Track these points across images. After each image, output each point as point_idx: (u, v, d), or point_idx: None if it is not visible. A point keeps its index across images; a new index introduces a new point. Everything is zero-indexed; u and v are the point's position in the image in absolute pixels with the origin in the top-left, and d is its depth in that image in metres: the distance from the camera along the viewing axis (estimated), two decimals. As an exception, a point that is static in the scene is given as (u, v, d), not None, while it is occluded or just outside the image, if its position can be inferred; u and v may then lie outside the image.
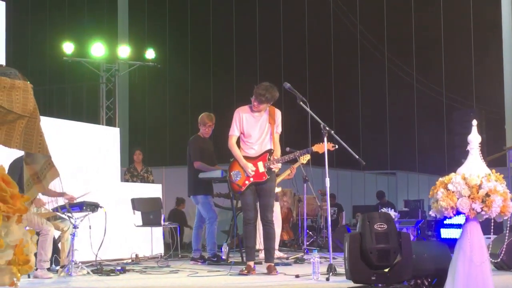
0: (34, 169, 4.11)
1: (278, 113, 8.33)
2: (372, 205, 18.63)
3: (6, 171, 7.24)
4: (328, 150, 8.14)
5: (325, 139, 8.00)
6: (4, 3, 10.64)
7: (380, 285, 6.17)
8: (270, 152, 8.21)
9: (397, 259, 6.24)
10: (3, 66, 4.14)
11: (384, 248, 6.23)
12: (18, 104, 3.81)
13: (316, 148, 8.78)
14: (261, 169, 8.16)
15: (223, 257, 9.96)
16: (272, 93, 8.11)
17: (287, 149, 9.41)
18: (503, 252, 7.05)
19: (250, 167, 8.12)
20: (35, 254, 7.64)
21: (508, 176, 10.93)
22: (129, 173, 12.93)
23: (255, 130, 8.23)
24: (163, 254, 11.34)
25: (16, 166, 8.26)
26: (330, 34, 25.35)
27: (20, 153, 8.18)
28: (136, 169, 13.15)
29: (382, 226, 6.25)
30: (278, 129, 8.34)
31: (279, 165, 8.31)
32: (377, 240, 6.25)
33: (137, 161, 13.29)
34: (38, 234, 7.98)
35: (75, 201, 8.53)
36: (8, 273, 2.62)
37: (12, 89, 3.80)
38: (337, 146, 8.35)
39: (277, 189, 10.33)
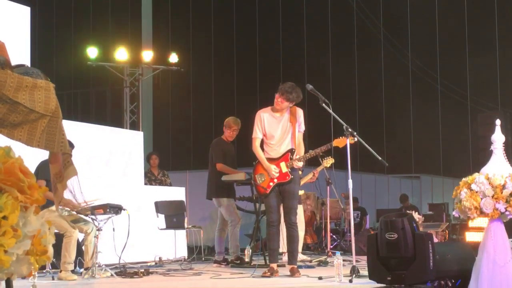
0: (57, 168, 4.13)
1: (299, 112, 8.32)
2: (395, 209, 18.53)
3: (33, 172, 7.28)
4: (351, 150, 8.05)
5: (348, 140, 7.97)
6: (29, 8, 10.73)
7: (402, 285, 6.13)
8: (291, 151, 8.20)
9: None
10: (26, 66, 4.17)
11: (395, 256, 6.19)
12: (40, 103, 3.84)
13: (336, 142, 8.54)
14: (284, 169, 8.15)
15: (246, 259, 9.95)
16: (298, 93, 8.15)
17: (309, 151, 9.38)
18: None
19: (273, 169, 8.13)
20: (60, 256, 7.69)
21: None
22: (147, 178, 13.00)
23: (277, 131, 8.23)
24: (186, 257, 11.37)
25: (46, 167, 8.30)
26: (353, 37, 25.30)
27: (44, 153, 8.27)
28: (153, 173, 13.30)
29: (392, 235, 6.17)
30: (301, 127, 8.31)
31: (301, 164, 8.29)
32: (388, 250, 6.21)
33: (153, 165, 13.44)
34: (62, 236, 8.03)
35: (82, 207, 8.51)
36: (26, 263, 2.64)
37: (34, 89, 3.82)
38: (356, 139, 8.22)
39: (300, 192, 10.30)
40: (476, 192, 5.24)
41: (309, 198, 14.27)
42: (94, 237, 8.35)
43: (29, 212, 2.61)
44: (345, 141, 8.03)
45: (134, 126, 18.78)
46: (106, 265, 8.57)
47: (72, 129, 9.29)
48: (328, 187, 11.95)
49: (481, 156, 15.76)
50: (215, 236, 10.61)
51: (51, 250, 2.76)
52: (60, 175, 4.13)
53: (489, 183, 5.22)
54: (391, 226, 6.19)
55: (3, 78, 3.72)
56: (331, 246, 12.93)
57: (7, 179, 2.58)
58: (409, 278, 6.05)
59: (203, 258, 11.35)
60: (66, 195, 4.23)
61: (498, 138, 5.50)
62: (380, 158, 8.01)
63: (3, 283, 2.85)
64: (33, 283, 2.94)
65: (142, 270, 8.67)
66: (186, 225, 11.33)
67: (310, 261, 10.35)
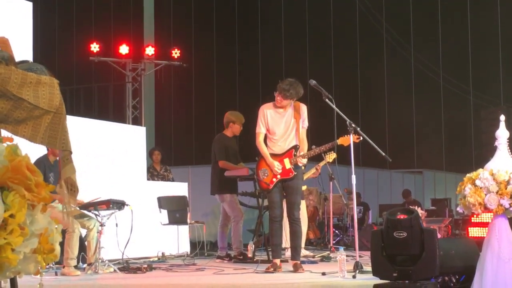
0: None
1: (303, 108, 8.28)
2: (398, 204, 18.52)
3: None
4: (354, 145, 8.04)
5: (351, 135, 7.95)
6: (31, 3, 10.71)
7: (406, 281, 6.10)
8: (295, 148, 8.19)
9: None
10: (30, 62, 4.16)
11: (403, 254, 6.16)
12: (44, 99, 3.83)
13: (341, 141, 8.58)
14: (288, 165, 8.14)
15: (249, 255, 9.94)
16: (296, 89, 8.09)
17: (313, 147, 9.38)
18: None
19: (276, 166, 8.10)
20: (62, 252, 7.67)
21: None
22: (149, 173, 13.00)
23: (280, 126, 8.21)
24: (189, 252, 11.36)
25: (40, 165, 8.29)
26: (356, 31, 25.27)
27: (43, 150, 8.25)
28: (156, 169, 13.32)
29: (401, 234, 6.13)
30: (304, 123, 8.28)
31: (305, 160, 8.28)
32: (396, 248, 6.17)
33: (155, 161, 13.47)
34: (64, 232, 8.02)
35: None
36: (33, 261, 2.63)
37: (38, 85, 3.82)
38: (361, 138, 8.22)
39: (303, 188, 10.29)
40: (481, 188, 5.22)
41: (311, 194, 14.26)
42: (97, 232, 8.35)
43: (36, 210, 2.61)
44: (350, 140, 8.00)
45: (136, 122, 18.79)
46: (109, 261, 8.55)
47: (75, 124, 9.28)
48: (331, 182, 11.93)
49: (484, 152, 15.79)
50: (218, 232, 10.61)
51: (58, 249, 2.75)
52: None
53: (494, 179, 5.20)
54: (400, 225, 6.13)
55: (7, 74, 3.71)
56: (334, 242, 12.92)
57: (14, 177, 2.58)
58: (416, 274, 6.02)
59: (205, 254, 11.35)
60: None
61: (502, 134, 5.48)
62: (383, 154, 8.00)
63: (8, 281, 2.85)
64: (39, 281, 2.93)
65: (145, 266, 8.66)
66: (188, 221, 11.34)
67: (313, 257, 10.34)
